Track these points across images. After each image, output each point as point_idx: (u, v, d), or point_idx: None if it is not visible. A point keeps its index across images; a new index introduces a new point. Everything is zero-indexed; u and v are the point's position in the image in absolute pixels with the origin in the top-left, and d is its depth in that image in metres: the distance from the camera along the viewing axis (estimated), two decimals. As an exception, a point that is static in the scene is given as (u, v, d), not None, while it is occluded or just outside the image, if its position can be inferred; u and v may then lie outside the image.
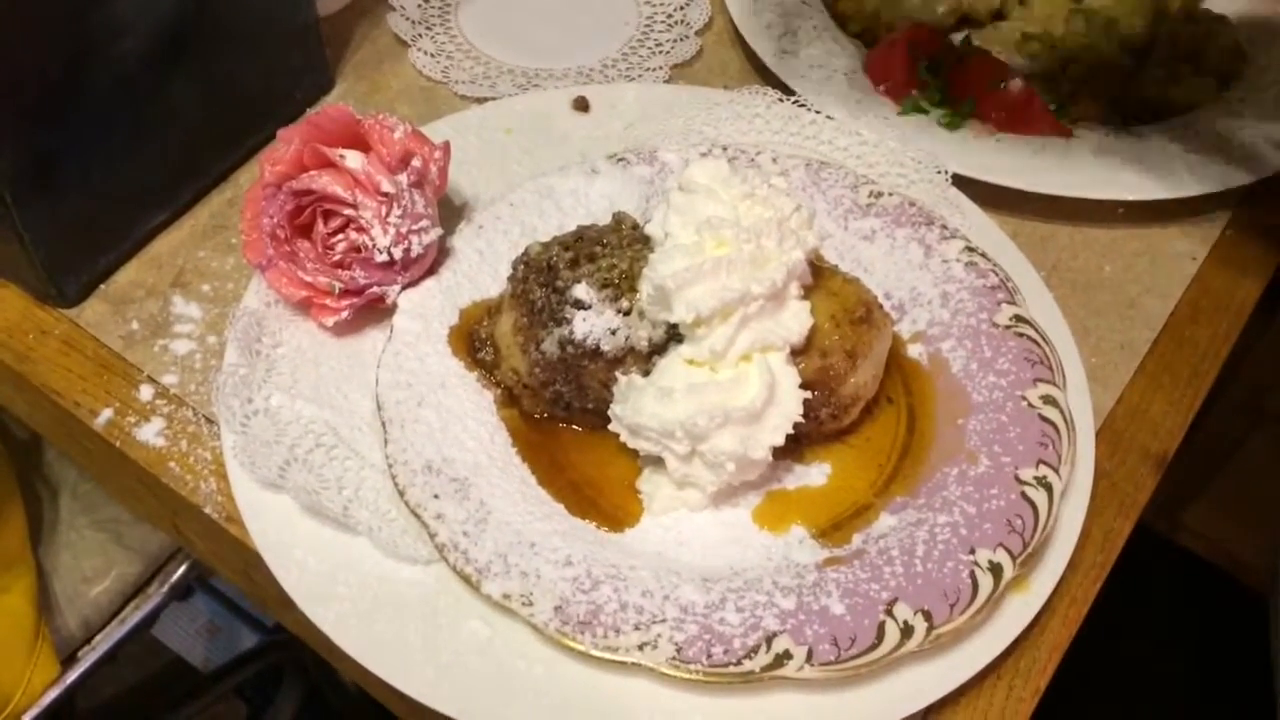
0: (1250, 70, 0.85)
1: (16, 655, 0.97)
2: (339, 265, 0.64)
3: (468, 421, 0.62)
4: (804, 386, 0.59)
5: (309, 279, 0.64)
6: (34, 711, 0.98)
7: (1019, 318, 0.66)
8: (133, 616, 1.09)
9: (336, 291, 0.64)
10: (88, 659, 1.05)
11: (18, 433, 1.04)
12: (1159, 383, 0.70)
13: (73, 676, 1.03)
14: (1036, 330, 0.65)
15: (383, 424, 0.60)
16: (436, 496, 0.58)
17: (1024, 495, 0.59)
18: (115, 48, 0.66)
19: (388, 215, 0.63)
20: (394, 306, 0.65)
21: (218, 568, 0.69)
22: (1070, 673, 0.60)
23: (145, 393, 0.66)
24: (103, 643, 1.06)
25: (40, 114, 0.64)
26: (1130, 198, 0.76)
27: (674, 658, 0.53)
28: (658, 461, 0.60)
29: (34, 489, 1.05)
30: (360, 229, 0.63)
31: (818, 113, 0.77)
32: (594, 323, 0.59)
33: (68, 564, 1.05)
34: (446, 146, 0.67)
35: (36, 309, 0.71)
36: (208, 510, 0.62)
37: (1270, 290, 0.77)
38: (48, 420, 0.71)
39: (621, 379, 0.59)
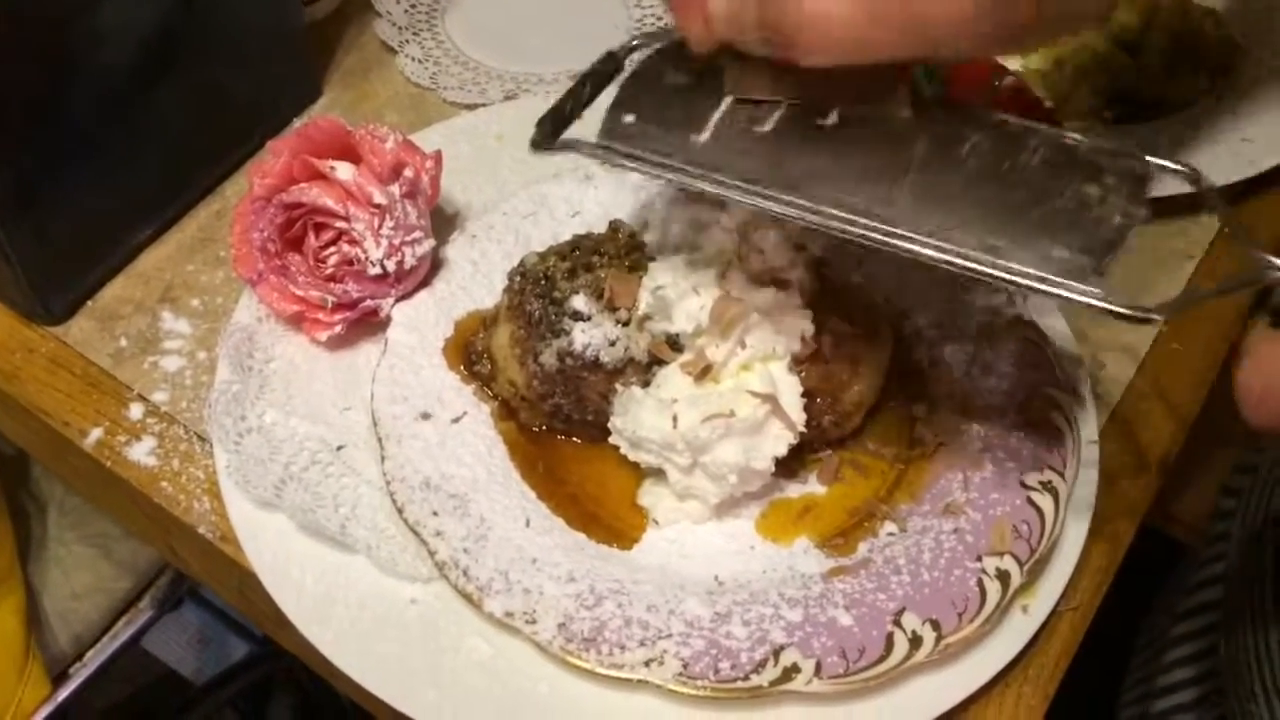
0: (1244, 64, 0.85)
1: (6, 675, 0.96)
2: (331, 279, 0.63)
3: (465, 435, 0.61)
4: (806, 395, 0.58)
5: (301, 293, 0.63)
6: (25, 731, 0.97)
7: (1020, 320, 0.65)
8: (124, 632, 1.08)
9: (329, 305, 0.63)
10: (79, 676, 1.04)
11: (3, 448, 1.03)
12: (1160, 383, 0.70)
13: (64, 694, 1.02)
14: (1038, 333, 0.65)
15: (379, 440, 0.59)
16: (435, 513, 0.57)
17: (1030, 501, 0.58)
18: (98, 60, 0.65)
19: (380, 227, 0.62)
20: (388, 320, 0.64)
21: (212, 587, 0.68)
22: (1077, 676, 0.60)
23: (135, 411, 0.65)
24: (94, 659, 1.05)
25: (23, 130, 0.63)
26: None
27: (680, 674, 0.52)
28: (659, 473, 0.59)
29: (21, 505, 1.04)
30: (352, 241, 0.62)
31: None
32: (593, 334, 0.58)
33: (57, 580, 1.03)
34: (438, 156, 0.66)
35: (23, 327, 0.69)
36: (201, 530, 0.61)
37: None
38: (36, 440, 0.70)
39: (621, 391, 0.59)
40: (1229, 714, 0.64)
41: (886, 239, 0.46)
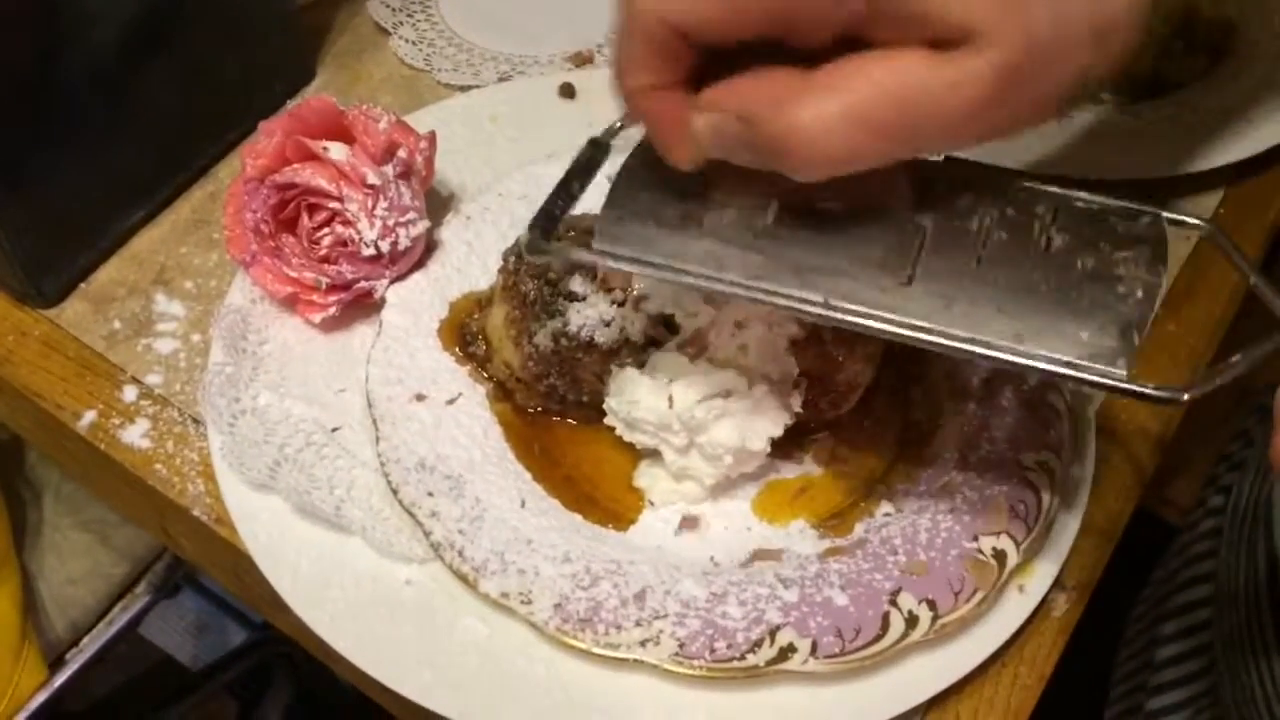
0: (1240, 45, 0.85)
1: (3, 661, 0.96)
2: (325, 260, 0.63)
3: (460, 417, 0.61)
4: (802, 375, 0.58)
5: (295, 274, 0.63)
6: (22, 716, 0.97)
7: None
8: (120, 617, 1.08)
9: (323, 287, 0.63)
10: (75, 661, 1.04)
11: (-2, 434, 1.03)
12: (1157, 362, 0.69)
13: (61, 680, 1.02)
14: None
15: (374, 421, 0.59)
16: (430, 494, 0.57)
17: (1026, 480, 0.58)
18: (89, 40, 0.64)
19: (374, 208, 0.62)
20: (382, 301, 0.64)
21: (208, 570, 0.68)
22: (1073, 655, 0.60)
23: (129, 393, 0.65)
24: (90, 645, 1.05)
25: (13, 111, 0.62)
26: (1123, 177, 0.75)
27: (676, 654, 0.52)
28: (655, 454, 0.59)
29: (16, 490, 1.03)
30: (346, 222, 0.62)
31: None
32: (588, 314, 0.58)
33: (53, 566, 1.03)
34: (432, 136, 0.66)
35: (15, 309, 0.69)
36: (196, 512, 0.61)
37: (1265, 265, 0.77)
38: (29, 423, 0.69)
39: (616, 371, 0.58)
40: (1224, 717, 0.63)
41: (910, 334, 0.45)
